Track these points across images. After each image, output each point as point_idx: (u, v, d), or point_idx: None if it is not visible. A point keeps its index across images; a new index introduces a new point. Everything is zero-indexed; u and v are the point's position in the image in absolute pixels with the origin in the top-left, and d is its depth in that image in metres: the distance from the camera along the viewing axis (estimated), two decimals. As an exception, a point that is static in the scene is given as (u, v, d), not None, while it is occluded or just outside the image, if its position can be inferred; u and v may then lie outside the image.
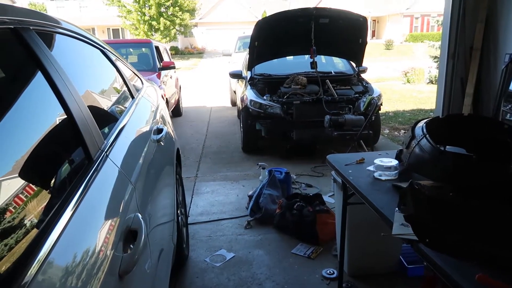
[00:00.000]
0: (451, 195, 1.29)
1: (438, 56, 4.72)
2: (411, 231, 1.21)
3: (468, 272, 1.03)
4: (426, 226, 1.09)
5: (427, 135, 1.65)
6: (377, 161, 1.85)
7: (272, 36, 5.22)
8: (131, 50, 7.99)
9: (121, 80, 2.19)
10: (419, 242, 1.16)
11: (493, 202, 1.19)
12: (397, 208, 1.44)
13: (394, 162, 1.83)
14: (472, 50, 3.94)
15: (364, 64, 6.01)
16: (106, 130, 1.52)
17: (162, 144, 2.12)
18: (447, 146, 1.93)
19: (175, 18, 28.55)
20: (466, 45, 3.97)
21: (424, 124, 1.74)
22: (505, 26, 3.68)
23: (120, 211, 1.16)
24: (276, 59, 5.90)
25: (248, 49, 5.58)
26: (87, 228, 0.98)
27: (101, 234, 1.00)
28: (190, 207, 3.73)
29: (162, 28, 27.89)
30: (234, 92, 8.16)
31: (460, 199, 1.23)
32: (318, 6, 5.40)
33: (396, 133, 6.35)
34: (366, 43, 5.57)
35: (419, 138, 1.69)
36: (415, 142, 1.70)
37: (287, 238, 3.05)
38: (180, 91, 8.55)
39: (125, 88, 2.19)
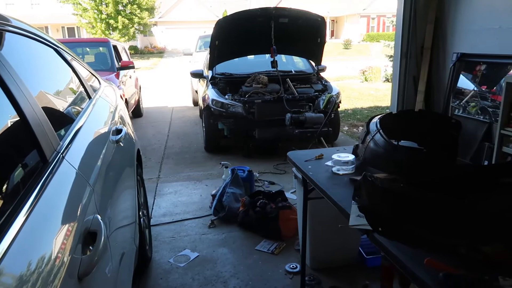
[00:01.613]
0: (402, 187, 1.37)
1: (393, 55, 4.95)
2: (366, 222, 1.26)
3: (418, 257, 1.10)
4: (379, 216, 1.15)
5: (381, 130, 1.73)
6: (335, 156, 1.92)
7: (233, 36, 5.24)
8: (88, 49, 7.74)
9: (77, 80, 2.13)
10: (373, 231, 1.22)
11: (441, 194, 1.27)
12: (353, 201, 1.51)
13: (351, 157, 1.90)
14: (423, 49, 4.14)
15: (324, 63, 6.16)
16: (63, 131, 1.48)
17: (122, 144, 2.08)
18: (402, 141, 2.03)
19: (134, 17, 27.85)
20: (417, 44, 4.17)
21: (378, 120, 1.82)
22: (452, 27, 3.90)
23: (78, 213, 1.14)
24: (237, 58, 5.91)
25: (209, 49, 5.56)
26: (43, 233, 0.95)
27: (58, 238, 0.97)
28: (152, 208, 3.68)
29: (120, 27, 27.14)
30: (196, 91, 8.10)
31: (410, 190, 1.31)
32: (277, 6, 5.46)
33: (355, 130, 6.55)
34: (324, 42, 5.70)
35: (374, 133, 1.77)
36: (370, 137, 1.78)
37: (251, 235, 3.08)
38: (140, 91, 8.38)
39: (81, 89, 2.14)
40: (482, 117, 3.54)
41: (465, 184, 1.33)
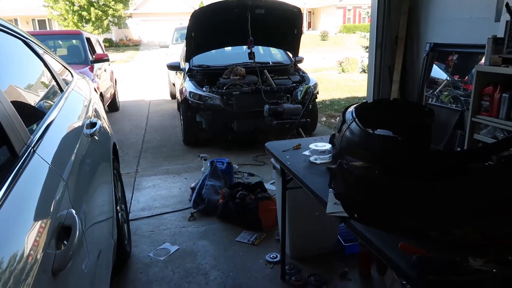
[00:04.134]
0: (376, 173, 1.39)
1: (369, 45, 5.03)
2: (342, 209, 1.28)
3: (393, 242, 1.13)
4: (354, 202, 1.17)
5: (356, 119, 1.76)
6: (312, 146, 1.93)
7: (209, 27, 5.18)
8: (60, 42, 7.52)
9: (48, 73, 2.07)
10: (350, 218, 1.24)
11: (413, 180, 1.30)
12: (330, 189, 1.53)
13: (328, 146, 1.92)
14: (397, 40, 4.20)
15: (301, 54, 6.17)
16: (34, 126, 1.44)
17: (97, 138, 2.04)
18: (377, 130, 2.06)
19: (108, 9, 27.16)
20: (392, 34, 4.24)
21: (354, 109, 1.84)
22: (425, 17, 3.98)
23: (52, 207, 1.11)
24: (214, 50, 5.86)
25: (185, 41, 5.49)
26: (14, 227, 0.92)
27: (30, 234, 0.95)
28: (131, 203, 3.64)
29: (93, 19, 26.43)
30: (173, 84, 8.00)
31: (384, 177, 1.33)
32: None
33: (332, 120, 6.62)
34: (301, 33, 5.71)
35: (349, 122, 1.79)
36: (346, 126, 1.80)
37: (231, 227, 3.09)
38: (116, 84, 8.21)
39: (53, 82, 2.08)
40: (454, 105, 3.64)
41: (437, 169, 1.36)
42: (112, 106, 7.71)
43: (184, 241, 2.94)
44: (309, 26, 38.17)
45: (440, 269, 1.00)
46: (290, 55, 6.17)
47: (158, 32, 31.45)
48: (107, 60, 6.81)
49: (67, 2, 26.10)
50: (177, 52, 8.52)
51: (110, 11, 27.32)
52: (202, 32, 5.21)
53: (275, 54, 6.51)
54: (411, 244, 1.09)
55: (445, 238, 1.11)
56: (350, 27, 33.11)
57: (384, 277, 2.27)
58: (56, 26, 28.81)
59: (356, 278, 2.42)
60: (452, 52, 3.69)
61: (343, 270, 2.45)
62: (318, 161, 1.89)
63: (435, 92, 3.87)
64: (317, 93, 5.51)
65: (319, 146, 1.92)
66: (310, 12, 38.55)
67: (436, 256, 1.06)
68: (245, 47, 5.60)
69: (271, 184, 3.82)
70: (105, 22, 27.53)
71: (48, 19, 29.95)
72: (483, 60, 2.91)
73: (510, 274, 0.97)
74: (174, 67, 6.30)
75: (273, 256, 2.65)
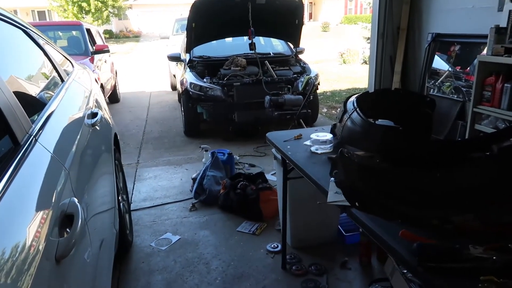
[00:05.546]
0: (377, 162, 1.40)
1: (370, 36, 4.99)
2: (344, 198, 1.29)
3: (393, 230, 1.14)
4: (355, 191, 1.17)
5: (358, 109, 1.75)
6: (314, 136, 1.93)
7: (210, 18, 5.15)
8: (60, 33, 7.49)
9: (49, 63, 2.06)
10: (351, 206, 1.24)
11: (414, 168, 1.30)
12: (332, 178, 1.53)
13: (329, 136, 1.92)
14: (399, 30, 4.18)
15: (303, 45, 6.14)
16: (36, 115, 1.44)
17: (98, 128, 2.04)
18: (378, 120, 2.06)
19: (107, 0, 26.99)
20: (393, 25, 4.21)
21: (355, 99, 1.84)
22: (427, 7, 3.95)
23: (54, 195, 1.12)
24: (214, 41, 5.84)
25: (185, 31, 5.47)
26: (16, 216, 0.92)
27: (34, 222, 0.95)
28: (132, 193, 3.65)
29: (93, 10, 26.26)
30: (174, 76, 7.97)
31: (385, 165, 1.33)
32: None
33: (333, 111, 6.60)
34: (302, 24, 5.67)
35: (351, 112, 1.79)
36: (347, 116, 1.80)
37: (232, 217, 3.10)
38: (116, 76, 8.19)
39: (54, 72, 2.07)
40: (456, 96, 3.63)
41: (437, 158, 1.36)
42: (113, 98, 7.70)
43: (186, 231, 2.96)
44: (310, 17, 37.88)
45: (441, 256, 1.01)
46: (291, 46, 6.14)
47: (159, 23, 31.26)
48: (108, 51, 6.78)
49: (67, -7, 25.91)
50: (178, 43, 8.47)
51: (110, 2, 27.13)
52: (202, 23, 5.17)
53: (276, 45, 6.48)
54: (411, 232, 1.10)
55: (446, 226, 1.11)
56: (352, 17, 32.78)
57: (384, 266, 2.28)
58: (56, 18, 28.63)
59: (356, 267, 2.43)
60: (454, 43, 3.67)
61: (344, 260, 2.47)
62: (319, 151, 1.89)
63: (436, 83, 3.85)
64: (318, 84, 5.50)
65: (320, 136, 1.92)
66: (311, 2, 38.22)
67: (436, 243, 1.06)
68: (246, 37, 5.56)
69: (272, 175, 3.83)
70: (105, 13, 27.36)
71: (48, 10, 29.75)
72: (485, 51, 2.90)
73: (510, 262, 0.98)
74: (175, 58, 6.28)
75: (274, 245, 2.67)
